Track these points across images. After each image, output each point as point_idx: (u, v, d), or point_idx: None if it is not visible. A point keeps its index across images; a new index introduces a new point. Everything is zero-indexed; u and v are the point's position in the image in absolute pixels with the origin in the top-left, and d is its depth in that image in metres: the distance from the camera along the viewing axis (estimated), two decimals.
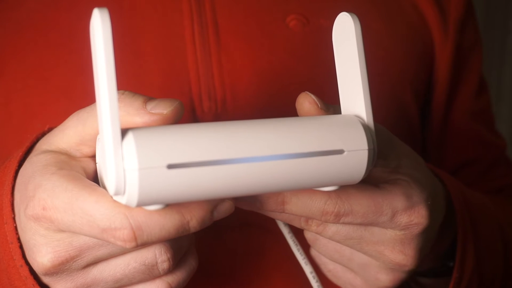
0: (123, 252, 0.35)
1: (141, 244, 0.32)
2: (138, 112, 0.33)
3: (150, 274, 0.35)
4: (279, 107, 0.47)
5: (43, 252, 0.34)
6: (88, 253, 0.34)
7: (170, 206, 0.32)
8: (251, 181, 0.31)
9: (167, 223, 0.32)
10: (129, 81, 0.48)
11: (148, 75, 0.48)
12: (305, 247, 0.43)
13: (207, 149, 0.30)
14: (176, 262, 0.36)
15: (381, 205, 0.37)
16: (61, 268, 0.34)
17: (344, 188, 0.36)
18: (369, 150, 0.34)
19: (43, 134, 0.39)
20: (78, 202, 0.32)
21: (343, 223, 0.37)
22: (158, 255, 0.35)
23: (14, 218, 0.36)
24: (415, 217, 0.38)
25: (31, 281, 0.36)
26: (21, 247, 0.36)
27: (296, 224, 0.39)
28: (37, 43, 0.49)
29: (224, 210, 0.34)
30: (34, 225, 0.34)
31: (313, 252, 0.44)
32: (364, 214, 0.37)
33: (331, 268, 0.44)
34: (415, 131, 0.59)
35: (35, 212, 0.33)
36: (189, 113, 0.48)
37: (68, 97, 0.48)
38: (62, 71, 0.48)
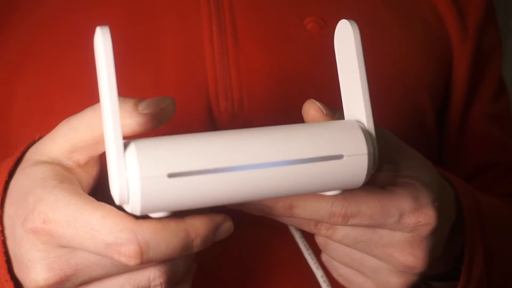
0: (118, 272, 0.34)
1: (146, 262, 0.31)
2: (130, 115, 0.32)
3: None
4: (295, 108, 0.47)
5: (38, 268, 0.33)
6: (84, 272, 0.34)
7: (175, 224, 0.32)
8: (250, 188, 0.32)
9: (173, 241, 0.32)
10: (147, 82, 0.49)
11: (166, 75, 0.49)
12: (317, 252, 0.44)
13: (207, 158, 0.31)
14: (170, 286, 0.35)
15: (388, 207, 0.37)
16: (54, 286, 0.33)
17: (351, 191, 0.37)
18: (368, 154, 0.34)
19: (33, 143, 0.38)
20: (83, 216, 0.32)
21: (351, 225, 0.38)
22: (152, 279, 0.34)
23: (2, 231, 0.35)
24: (423, 218, 0.38)
25: None
26: (7, 261, 0.35)
27: (306, 228, 0.39)
28: (59, 41, 0.50)
29: (225, 230, 0.34)
30: (32, 238, 0.33)
31: (324, 257, 0.44)
32: (371, 216, 0.37)
33: (342, 273, 0.44)
34: (432, 134, 0.59)
35: (34, 225, 0.33)
36: (206, 113, 0.48)
37: (89, 96, 0.47)
38: (82, 70, 0.48)
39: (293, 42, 0.51)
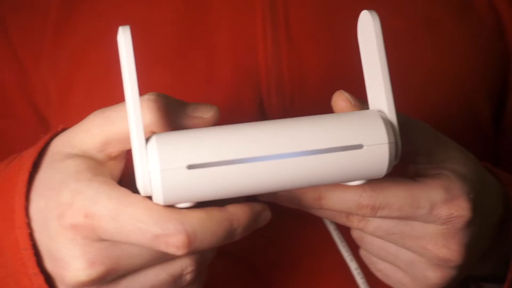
0: (154, 263, 0.34)
1: (192, 251, 0.32)
2: (177, 115, 0.34)
3: (175, 285, 0.35)
4: None
5: (78, 264, 0.32)
6: (124, 264, 0.33)
7: (219, 213, 0.33)
8: (268, 178, 0.33)
9: (218, 230, 0.32)
10: (201, 77, 0.50)
11: (219, 70, 0.50)
12: (351, 245, 0.44)
13: (225, 149, 0.32)
14: (198, 275, 0.36)
15: (418, 198, 0.37)
16: (96, 282, 0.33)
17: (379, 181, 0.37)
18: (389, 144, 0.34)
19: (56, 134, 0.37)
20: (128, 209, 0.31)
21: (381, 217, 0.37)
22: (184, 267, 0.35)
23: (29, 224, 0.34)
24: (456, 209, 0.37)
25: None
26: (36, 254, 0.35)
27: (339, 220, 0.39)
28: (113, 33, 0.51)
29: (264, 219, 0.35)
30: (71, 233, 0.32)
31: (362, 252, 0.44)
32: (401, 207, 0.36)
33: (380, 268, 0.43)
34: (487, 134, 0.58)
35: (75, 220, 0.32)
36: (257, 108, 0.49)
37: (143, 88, 0.50)
38: (138, 63, 0.49)
39: (345, 40, 0.50)
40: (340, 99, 0.37)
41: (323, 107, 0.47)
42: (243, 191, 0.33)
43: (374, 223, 0.38)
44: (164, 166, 0.31)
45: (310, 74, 0.50)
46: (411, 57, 0.53)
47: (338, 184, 0.36)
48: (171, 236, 0.31)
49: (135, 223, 0.31)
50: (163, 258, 0.34)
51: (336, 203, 0.37)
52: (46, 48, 0.53)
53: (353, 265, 0.43)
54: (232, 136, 0.32)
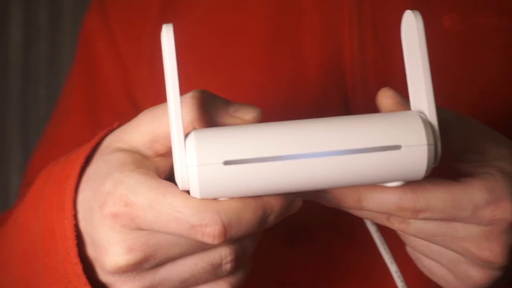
0: (192, 252, 0.35)
1: (227, 240, 0.33)
2: (219, 113, 0.34)
3: (214, 274, 0.36)
4: None
5: (117, 250, 0.34)
6: (161, 253, 0.34)
7: (255, 202, 0.34)
8: (303, 177, 0.33)
9: (253, 218, 0.33)
10: (289, 75, 0.51)
11: (306, 69, 0.51)
12: (393, 247, 0.44)
13: (262, 146, 0.32)
14: (238, 264, 0.37)
15: (460, 200, 0.36)
16: (134, 267, 0.34)
17: (420, 183, 0.36)
18: (428, 145, 0.33)
19: (111, 131, 0.39)
20: (166, 199, 0.32)
21: (423, 219, 0.37)
22: (223, 256, 0.35)
23: (75, 216, 0.36)
24: (499, 212, 0.37)
25: (83, 279, 0.36)
26: (78, 244, 0.36)
27: (379, 221, 0.39)
28: (215, 37, 0.54)
29: (296, 205, 0.36)
30: (111, 222, 0.34)
31: (408, 247, 0.44)
32: (443, 209, 0.36)
33: (426, 264, 0.43)
34: None
35: (115, 209, 0.33)
36: (342, 106, 0.50)
37: (236, 87, 0.52)
38: (230, 63, 0.52)
39: (431, 39, 0.50)
40: (385, 96, 0.37)
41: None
42: (279, 188, 0.33)
43: (416, 226, 0.38)
44: (201, 161, 0.32)
45: (396, 73, 0.49)
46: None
47: (378, 186, 0.36)
48: (208, 226, 0.32)
49: (172, 213, 0.32)
50: (201, 247, 0.35)
51: (376, 204, 0.37)
52: (145, 47, 0.57)
53: (393, 268, 0.43)
54: (269, 133, 0.33)
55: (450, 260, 0.40)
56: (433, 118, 0.34)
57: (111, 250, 0.34)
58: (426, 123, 0.34)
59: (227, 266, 0.36)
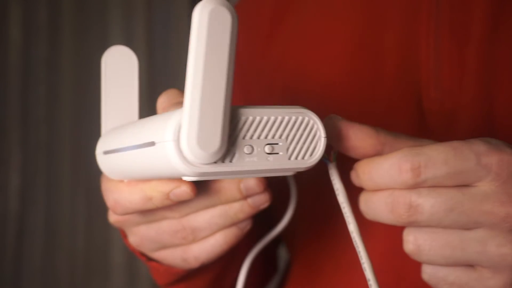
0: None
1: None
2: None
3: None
4: (505, 101, 0.49)
5: None
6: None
7: (135, 186, 0.40)
8: (125, 166, 0.39)
9: (135, 199, 0.40)
10: (368, 74, 0.53)
11: (385, 67, 0.52)
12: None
13: (112, 141, 0.41)
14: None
15: (461, 149, 0.34)
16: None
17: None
18: (173, 141, 0.32)
19: None
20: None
21: (429, 185, 0.34)
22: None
23: None
24: (504, 155, 0.34)
25: None
26: None
27: (385, 218, 0.36)
28: (309, 41, 0.58)
29: (180, 192, 0.38)
30: None
31: (426, 274, 0.38)
32: (446, 161, 0.34)
33: (452, 279, 0.37)
34: None
35: None
36: (417, 101, 0.51)
37: (318, 87, 0.55)
38: (316, 65, 0.55)
39: (508, 40, 0.51)
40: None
41: (481, 102, 0.49)
42: (127, 175, 0.40)
43: (427, 204, 0.34)
44: (97, 151, 0.43)
45: (468, 69, 0.50)
46: None
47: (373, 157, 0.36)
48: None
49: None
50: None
51: (376, 174, 0.35)
52: (259, 48, 0.60)
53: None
54: (119, 132, 0.41)
55: (476, 249, 0.35)
56: (185, 116, 0.32)
57: None
58: (175, 121, 0.32)
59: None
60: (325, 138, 0.35)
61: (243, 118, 0.33)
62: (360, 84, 0.53)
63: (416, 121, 0.51)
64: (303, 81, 0.56)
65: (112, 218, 0.44)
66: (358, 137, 0.36)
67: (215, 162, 0.33)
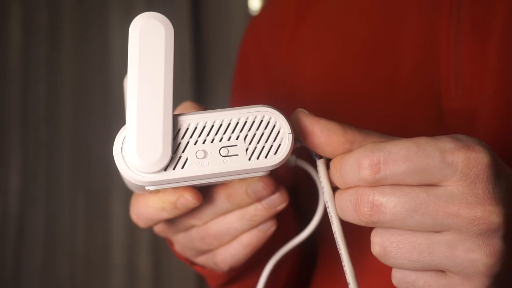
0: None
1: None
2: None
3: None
4: None
5: None
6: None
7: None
8: None
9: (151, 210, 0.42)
10: (386, 72, 0.53)
11: (402, 63, 0.52)
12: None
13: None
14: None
15: (425, 146, 0.32)
16: None
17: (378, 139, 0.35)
18: (120, 155, 0.34)
19: None
20: None
21: (390, 183, 0.33)
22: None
23: None
24: (472, 153, 0.32)
25: None
26: None
27: (349, 216, 0.35)
28: (331, 38, 0.58)
29: (184, 201, 0.39)
30: None
31: (396, 278, 0.36)
32: (407, 157, 0.32)
33: (421, 285, 0.35)
34: None
35: None
36: (435, 100, 0.50)
37: (335, 84, 0.56)
38: (335, 62, 0.56)
39: None
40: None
41: (500, 99, 0.49)
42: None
43: (390, 203, 0.32)
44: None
45: (489, 66, 0.49)
46: None
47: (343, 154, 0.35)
48: None
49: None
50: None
51: (343, 171, 0.34)
52: (283, 47, 0.60)
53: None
54: None
55: (444, 253, 0.33)
56: (127, 129, 0.34)
57: None
58: (122, 134, 0.34)
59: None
60: (291, 134, 0.34)
61: (189, 125, 0.34)
62: (377, 82, 0.53)
63: (434, 120, 0.50)
64: (322, 80, 0.57)
65: (155, 229, 0.45)
66: (324, 134, 0.35)
67: (165, 170, 0.33)
